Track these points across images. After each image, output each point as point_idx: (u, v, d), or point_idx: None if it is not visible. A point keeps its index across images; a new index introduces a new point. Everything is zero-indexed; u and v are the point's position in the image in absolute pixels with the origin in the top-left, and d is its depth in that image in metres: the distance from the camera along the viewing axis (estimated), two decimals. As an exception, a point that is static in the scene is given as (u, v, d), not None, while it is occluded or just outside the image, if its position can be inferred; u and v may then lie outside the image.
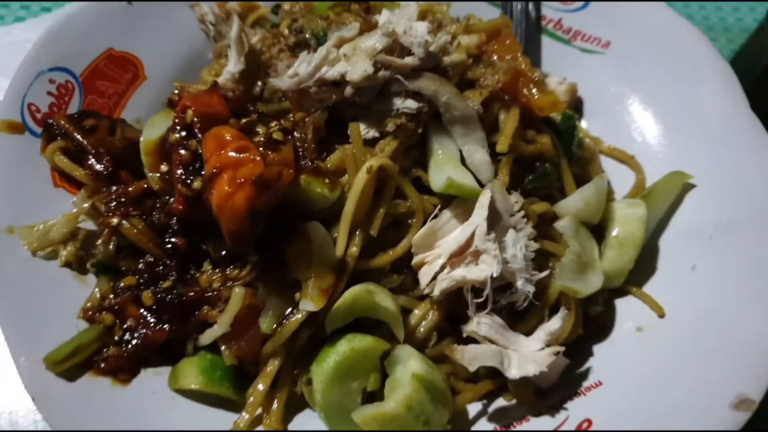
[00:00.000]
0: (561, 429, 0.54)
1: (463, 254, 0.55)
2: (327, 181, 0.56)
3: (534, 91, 0.63)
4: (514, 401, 0.58)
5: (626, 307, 0.63)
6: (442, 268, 0.55)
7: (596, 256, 0.62)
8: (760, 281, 0.57)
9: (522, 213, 0.58)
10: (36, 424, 0.56)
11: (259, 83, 0.65)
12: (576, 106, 0.78)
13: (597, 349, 0.61)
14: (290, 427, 0.55)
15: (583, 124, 0.76)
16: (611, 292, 0.64)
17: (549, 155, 0.63)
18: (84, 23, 0.69)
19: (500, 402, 0.59)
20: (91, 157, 0.60)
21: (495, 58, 0.68)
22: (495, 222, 0.55)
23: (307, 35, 0.64)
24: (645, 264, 0.64)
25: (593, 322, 0.62)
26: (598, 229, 0.66)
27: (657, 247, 0.65)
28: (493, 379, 0.58)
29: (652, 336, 0.60)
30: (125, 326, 0.54)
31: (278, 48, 0.66)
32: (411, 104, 0.59)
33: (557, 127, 0.66)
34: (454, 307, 0.57)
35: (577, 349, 0.60)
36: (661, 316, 0.61)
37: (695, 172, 0.67)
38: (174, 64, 0.73)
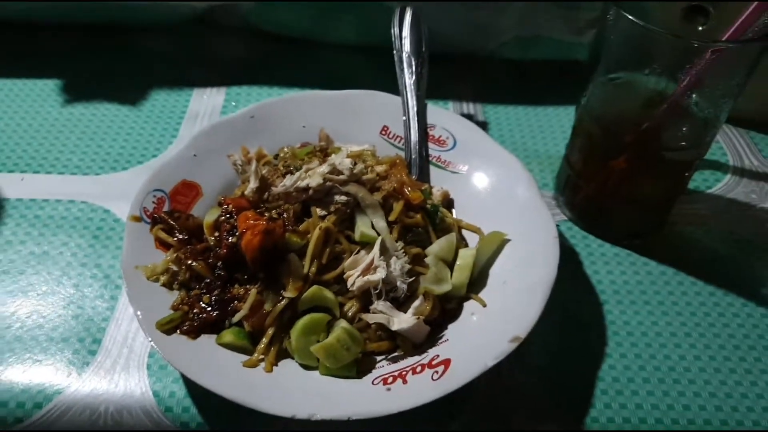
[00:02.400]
0: (423, 359, 0.90)
1: (369, 269, 0.95)
2: (299, 235, 0.95)
3: (411, 191, 1.10)
4: (401, 352, 0.94)
5: (468, 305, 0.97)
6: (358, 276, 0.93)
7: (448, 275, 0.98)
8: (534, 284, 0.93)
9: (403, 251, 1.02)
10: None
11: (267, 193, 1.05)
12: (449, 202, 1.14)
13: (450, 326, 0.94)
14: (279, 362, 0.91)
15: (453, 211, 1.11)
16: (460, 297, 0.98)
17: (420, 224, 1.01)
18: (170, 167, 1.14)
19: (393, 353, 0.93)
20: (177, 232, 1.00)
21: (393, 174, 1.16)
22: (384, 252, 0.98)
23: (291, 168, 1.12)
24: (479, 282, 0.97)
25: (449, 313, 0.96)
26: (453, 263, 1.04)
27: (487, 273, 0.99)
28: (390, 341, 0.96)
29: (479, 317, 0.94)
30: (194, 312, 0.89)
31: (276, 175, 1.09)
32: (343, 198, 1.00)
33: (427, 210, 1.06)
34: (366, 300, 0.94)
35: (438, 326, 0.95)
36: (484, 306, 0.94)
37: (510, 232, 1.05)
38: (219, 186, 1.10)
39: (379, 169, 1.12)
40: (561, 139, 1.36)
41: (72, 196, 1.23)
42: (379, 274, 0.92)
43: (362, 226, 1.00)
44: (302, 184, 1.00)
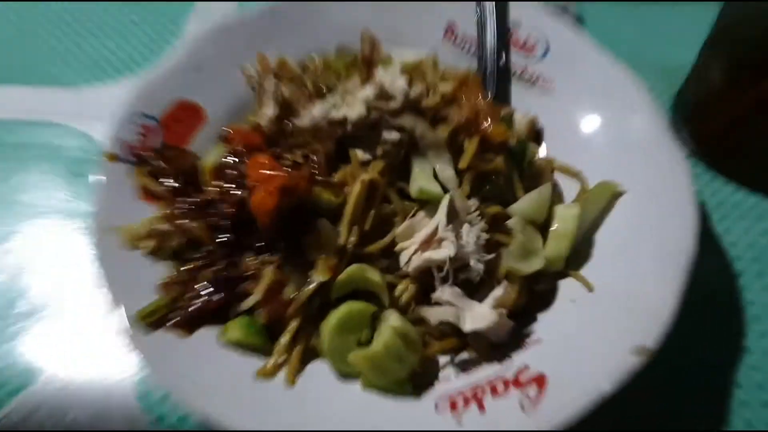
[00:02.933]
0: (505, 372, 0.69)
1: (430, 242, 0.72)
2: (333, 190, 0.74)
3: (489, 123, 0.80)
4: (474, 355, 0.73)
5: (566, 285, 0.77)
6: (415, 251, 0.72)
7: (539, 245, 0.78)
8: (663, 262, 0.71)
9: (477, 213, 0.75)
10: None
11: (289, 124, 0.83)
12: (538, 133, 0.92)
13: (540, 316, 0.76)
14: (306, 369, 0.71)
15: (543, 147, 0.90)
16: (554, 274, 0.78)
17: (501, 171, 0.79)
18: (162, 80, 0.89)
19: (463, 355, 0.74)
20: (168, 177, 0.80)
21: (463, 99, 0.85)
22: (453, 218, 0.72)
23: (323, 88, 0.83)
24: (582, 253, 0.78)
25: (539, 296, 0.77)
26: (545, 227, 0.80)
27: (591, 241, 0.79)
28: (457, 338, 0.74)
29: (583, 305, 0.74)
30: (188, 296, 0.72)
31: (303, 99, 0.84)
32: (395, 135, 0.77)
33: (512, 150, 0.83)
34: (427, 283, 0.74)
35: (525, 316, 0.75)
36: (590, 290, 0.75)
37: (626, 182, 0.80)
38: (229, 110, 0.90)
39: (445, 89, 0.82)
40: (688, 45, 1.01)
41: (46, 114, 0.99)
42: (446, 251, 0.69)
43: (421, 178, 0.74)
44: (337, 114, 0.75)
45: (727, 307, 0.81)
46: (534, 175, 0.86)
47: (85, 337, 0.79)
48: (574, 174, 0.88)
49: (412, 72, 0.90)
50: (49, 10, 1.13)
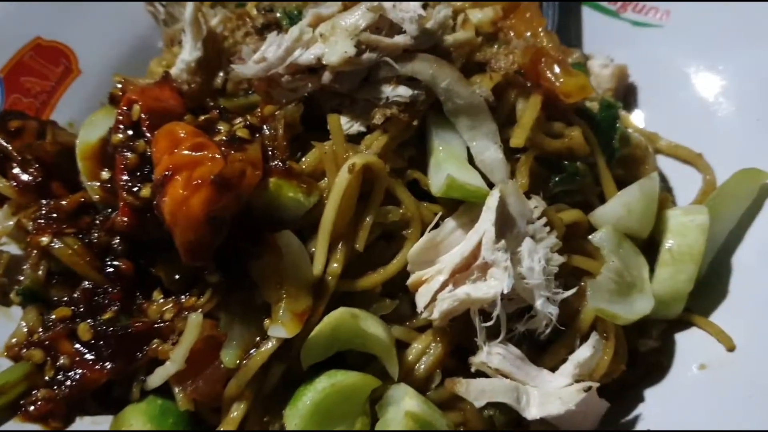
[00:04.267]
0: None
1: (468, 269, 0.68)
2: (302, 184, 0.70)
3: (559, 73, 0.77)
4: None
5: (687, 341, 0.75)
6: (443, 286, 0.68)
7: (645, 275, 0.74)
8: None
9: (544, 221, 0.71)
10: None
11: (221, 74, 0.80)
12: (627, 93, 0.91)
13: (649, 393, 0.73)
14: None
15: (636, 115, 0.89)
16: (669, 323, 0.76)
17: (581, 152, 0.76)
18: (5, 8, 0.85)
19: None
20: (15, 165, 0.75)
21: (512, 36, 0.82)
22: (506, 229, 0.69)
23: (278, 14, 0.80)
24: (712, 286, 0.76)
25: (645, 360, 0.74)
26: (650, 244, 0.78)
27: (729, 265, 0.77)
28: (514, 427, 0.70)
29: (719, 375, 0.71)
30: (58, 365, 0.68)
31: (244, 31, 0.82)
32: (403, 92, 0.73)
33: (594, 119, 0.80)
34: (462, 338, 0.70)
35: (623, 392, 0.73)
36: (731, 349, 0.72)
37: None
38: (115, 55, 0.89)
39: (479, 18, 0.82)
40: None
41: None
42: (497, 283, 0.67)
43: (449, 161, 0.72)
44: (307, 56, 0.72)
45: None
46: (628, 159, 0.83)
47: None
48: (692, 158, 0.86)
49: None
50: None
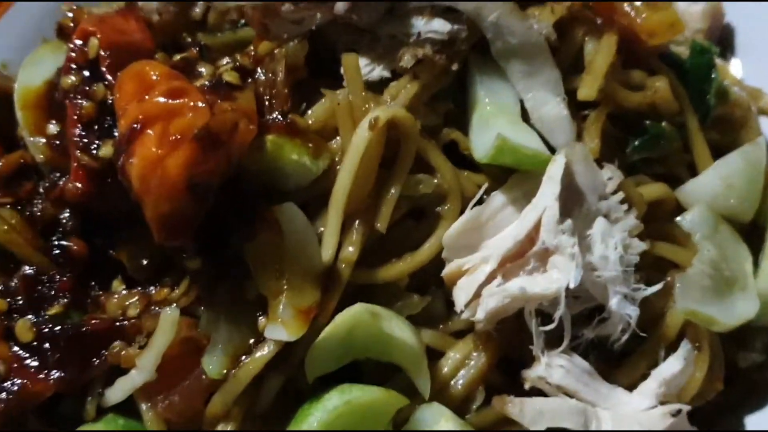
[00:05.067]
0: None
1: (523, 256, 0.69)
2: (309, 144, 0.70)
3: (640, 6, 0.78)
4: None
5: None
6: (490, 278, 0.69)
7: (748, 269, 0.75)
8: None
9: (620, 196, 0.72)
10: None
11: (200, 2, 0.80)
12: (721, 37, 0.91)
13: (751, 420, 0.75)
14: None
15: (733, 65, 0.89)
16: None
17: (668, 109, 0.77)
18: None
19: None
20: None
21: None
22: (573, 206, 0.69)
23: None
24: None
25: (747, 377, 0.76)
26: (754, 229, 0.79)
27: None
28: None
29: None
30: None
31: None
32: (440, 26, 0.73)
33: (683, 66, 0.81)
34: (512, 346, 0.71)
35: (720, 418, 0.74)
36: None
37: None
38: None
39: None
40: None
41: None
42: (560, 276, 0.68)
43: (499, 121, 0.73)
44: None
45: None
46: (726, 120, 0.85)
47: None
48: None
49: None
50: None
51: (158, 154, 0.65)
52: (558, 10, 0.77)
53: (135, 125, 0.67)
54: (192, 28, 0.79)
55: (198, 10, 0.79)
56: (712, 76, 0.80)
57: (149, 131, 0.66)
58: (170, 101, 0.68)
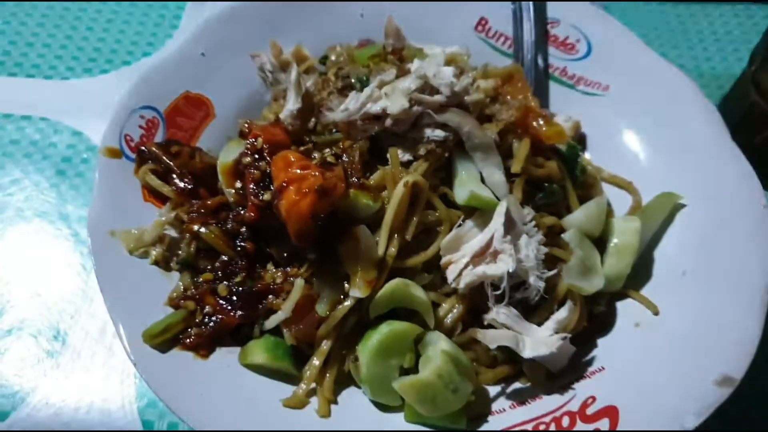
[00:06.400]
0: (568, 404, 0.63)
1: (484, 254, 0.66)
2: (371, 194, 0.68)
3: (542, 123, 0.75)
4: (528, 384, 0.67)
5: (625, 307, 0.72)
6: (466, 266, 0.66)
7: (598, 262, 0.72)
8: (738, 282, 0.66)
9: (533, 223, 0.69)
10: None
11: (313, 120, 0.77)
12: (580, 140, 0.87)
13: (600, 341, 0.70)
14: (339, 396, 0.64)
15: (587, 155, 0.85)
16: (612, 294, 0.73)
17: (556, 178, 0.74)
18: (166, 71, 0.82)
19: (516, 385, 0.68)
20: (175, 176, 0.72)
21: (509, 98, 0.80)
22: (510, 228, 0.67)
23: (353, 80, 0.77)
24: (642, 271, 0.73)
25: (597, 319, 0.72)
26: (599, 241, 0.75)
27: (652, 257, 0.74)
28: (510, 366, 0.67)
29: (648, 330, 0.69)
30: (204, 312, 0.65)
31: (327, 91, 0.78)
32: (439, 133, 0.71)
33: (563, 155, 0.78)
34: (476, 302, 0.68)
35: (583, 341, 0.70)
36: (656, 313, 0.69)
37: (684, 191, 0.76)
38: (238, 104, 0.84)
39: (486, 85, 0.77)
40: (732, 49, 1.07)
41: (28, 108, 0.92)
42: (504, 265, 0.64)
43: (469, 182, 0.68)
44: (375, 107, 0.69)
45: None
46: (585, 184, 0.81)
47: (79, 355, 0.71)
48: (625, 185, 0.83)
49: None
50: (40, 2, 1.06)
51: (296, 200, 0.63)
52: (499, 125, 0.74)
53: (283, 183, 0.64)
54: (308, 133, 0.75)
55: (311, 124, 0.75)
56: (578, 160, 0.76)
57: (291, 187, 0.64)
58: (301, 171, 0.65)
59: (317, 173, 0.64)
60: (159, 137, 0.77)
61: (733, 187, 0.74)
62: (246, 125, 0.76)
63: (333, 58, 0.88)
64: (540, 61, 0.93)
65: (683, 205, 0.76)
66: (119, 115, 0.77)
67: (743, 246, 0.70)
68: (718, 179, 0.76)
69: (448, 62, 0.83)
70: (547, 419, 0.62)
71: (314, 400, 0.64)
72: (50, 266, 0.77)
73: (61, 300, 0.73)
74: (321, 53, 0.91)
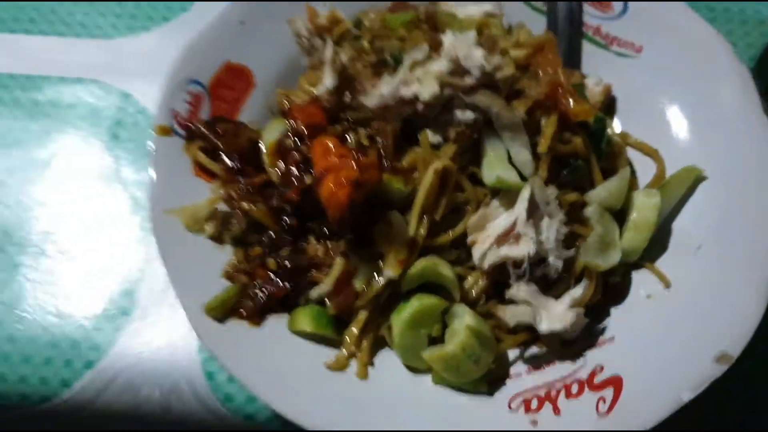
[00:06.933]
0: (579, 371, 0.70)
1: (507, 236, 0.70)
2: (402, 178, 0.71)
3: (570, 100, 0.76)
4: (544, 349, 0.73)
5: (639, 278, 0.76)
6: (490, 246, 0.71)
7: (616, 237, 0.75)
8: (749, 261, 0.69)
9: (556, 202, 0.73)
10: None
11: (348, 94, 0.78)
12: (609, 104, 0.87)
13: (613, 311, 0.75)
14: (374, 359, 0.72)
15: (615, 120, 0.85)
16: (628, 265, 0.76)
17: (582, 153, 0.76)
18: (208, 41, 0.84)
19: (534, 349, 0.74)
20: (223, 154, 0.77)
21: (539, 70, 0.80)
22: (533, 212, 0.70)
23: (387, 56, 0.78)
24: (658, 243, 0.76)
25: (611, 289, 0.75)
26: (620, 213, 0.78)
27: (670, 229, 0.77)
28: (528, 332, 0.74)
29: (659, 302, 0.73)
30: (256, 284, 0.72)
31: (362, 64, 0.79)
32: (469, 116, 0.73)
33: (589, 129, 0.78)
34: (499, 276, 0.73)
35: (596, 311, 0.74)
36: (668, 286, 0.73)
37: (708, 164, 0.77)
38: (277, 71, 0.85)
39: (519, 54, 0.78)
40: None
41: (80, 71, 0.97)
42: (525, 247, 0.68)
43: (497, 164, 0.71)
44: (408, 92, 0.71)
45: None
46: (610, 154, 0.81)
47: (147, 311, 0.80)
48: (651, 152, 0.84)
49: (479, 36, 0.86)
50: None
51: (334, 190, 0.67)
52: (528, 102, 0.74)
53: (323, 172, 0.68)
54: (344, 107, 0.77)
55: (347, 98, 0.77)
56: (605, 134, 0.76)
57: (329, 176, 0.67)
58: (338, 161, 0.68)
59: (354, 165, 0.67)
60: (205, 111, 0.80)
61: (755, 163, 0.75)
62: (286, 102, 0.80)
63: (365, 23, 0.88)
64: (576, 20, 0.92)
65: (705, 178, 0.78)
66: (168, 92, 0.80)
67: (758, 226, 0.72)
68: (742, 154, 0.77)
69: (479, 27, 0.84)
70: (558, 385, 0.68)
71: (353, 365, 0.71)
72: (113, 230, 0.83)
73: (127, 260, 0.80)
74: (357, 11, 0.90)
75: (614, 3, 0.90)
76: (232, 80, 0.84)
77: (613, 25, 0.90)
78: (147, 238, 0.84)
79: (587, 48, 0.91)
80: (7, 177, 0.90)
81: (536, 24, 0.93)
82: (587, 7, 0.92)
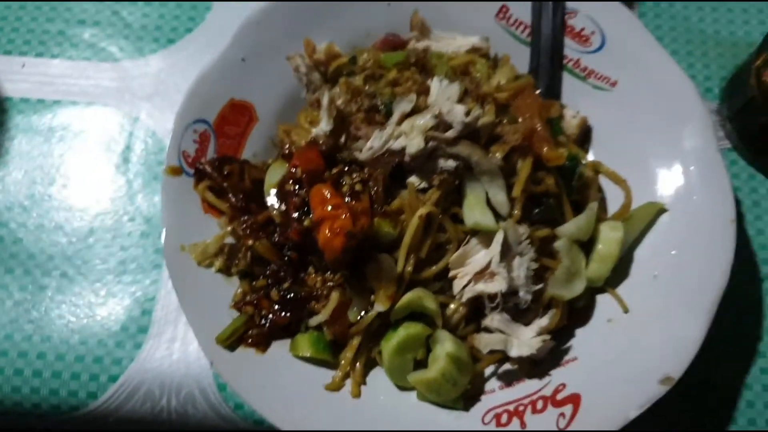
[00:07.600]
0: (544, 389, 0.79)
1: (483, 274, 0.78)
2: (392, 221, 0.78)
3: (545, 147, 0.83)
4: (516, 366, 0.82)
5: (603, 302, 0.83)
6: (468, 282, 0.78)
7: (582, 267, 0.81)
8: (695, 290, 0.77)
9: (528, 241, 0.81)
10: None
11: (343, 138, 0.85)
12: (586, 133, 0.92)
13: (578, 332, 0.82)
14: (367, 378, 0.81)
15: (591, 150, 0.91)
16: (593, 289, 0.84)
17: (554, 193, 0.82)
18: (212, 80, 0.89)
19: (507, 366, 0.77)
20: (230, 194, 0.84)
21: (519, 112, 0.87)
22: (506, 252, 0.78)
23: (378, 103, 0.85)
24: (620, 270, 0.83)
25: (577, 313, 0.83)
26: (588, 241, 0.85)
27: (631, 257, 0.84)
28: (503, 352, 0.83)
29: (618, 326, 0.80)
30: (261, 314, 0.79)
31: (356, 107, 0.85)
32: (451, 164, 0.79)
33: (562, 167, 0.85)
34: (476, 309, 0.81)
35: (563, 332, 0.82)
36: (626, 311, 0.80)
37: (668, 197, 0.84)
38: (277, 106, 0.90)
39: (500, 96, 0.86)
40: (746, 27, 1.07)
41: (89, 95, 1.02)
42: (498, 285, 0.76)
43: (476, 208, 0.79)
44: (396, 145, 0.79)
45: (748, 307, 0.88)
46: (581, 186, 0.88)
47: (162, 330, 0.87)
48: (620, 181, 0.91)
49: (465, 67, 0.92)
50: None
51: (330, 237, 0.75)
52: (506, 148, 0.81)
53: (319, 219, 0.76)
54: (339, 148, 0.83)
55: (342, 140, 0.83)
56: (576, 171, 0.82)
57: (326, 224, 0.76)
58: (334, 211, 0.76)
59: (348, 215, 0.75)
60: (211, 149, 0.86)
61: (708, 199, 0.82)
62: (286, 142, 0.86)
63: (360, 60, 0.93)
64: (557, 54, 0.97)
65: (666, 211, 0.85)
66: (177, 133, 0.87)
67: (706, 257, 0.79)
68: (697, 190, 0.83)
69: (464, 64, 0.90)
70: (526, 401, 0.77)
71: (348, 382, 0.76)
72: (123, 252, 0.89)
73: (142, 281, 0.87)
74: (353, 43, 0.96)
75: (593, 38, 0.95)
76: (236, 116, 0.90)
77: (591, 58, 0.95)
78: (160, 260, 0.89)
79: (567, 79, 0.97)
80: (29, 202, 0.95)
81: (521, 55, 0.99)
82: (568, 41, 0.97)
